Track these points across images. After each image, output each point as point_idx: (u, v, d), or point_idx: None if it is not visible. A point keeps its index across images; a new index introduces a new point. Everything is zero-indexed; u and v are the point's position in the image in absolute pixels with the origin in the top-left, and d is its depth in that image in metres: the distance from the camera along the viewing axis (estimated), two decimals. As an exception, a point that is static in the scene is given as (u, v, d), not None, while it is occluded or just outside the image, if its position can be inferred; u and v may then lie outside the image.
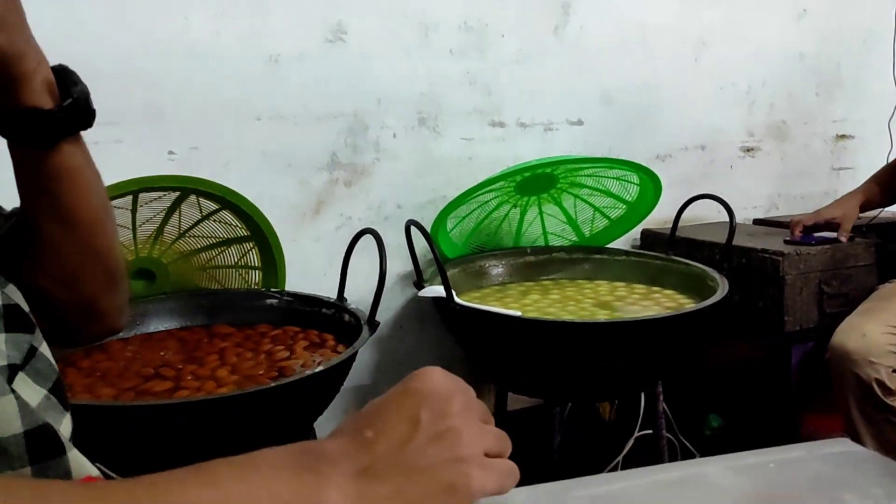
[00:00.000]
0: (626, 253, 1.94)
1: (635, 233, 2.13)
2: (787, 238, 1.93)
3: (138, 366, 1.29)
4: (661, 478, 0.55)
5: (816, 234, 1.92)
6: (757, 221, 2.35)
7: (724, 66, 2.32)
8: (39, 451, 0.53)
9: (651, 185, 1.84)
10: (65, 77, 0.63)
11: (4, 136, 0.63)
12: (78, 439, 0.60)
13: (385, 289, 1.31)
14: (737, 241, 1.75)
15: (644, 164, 1.83)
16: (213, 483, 0.42)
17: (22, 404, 0.54)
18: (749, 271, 1.85)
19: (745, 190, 2.42)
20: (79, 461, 0.56)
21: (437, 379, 0.50)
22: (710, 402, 2.07)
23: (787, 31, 2.41)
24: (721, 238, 1.77)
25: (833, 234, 1.91)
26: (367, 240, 1.35)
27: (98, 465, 0.63)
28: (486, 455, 0.49)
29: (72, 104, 0.62)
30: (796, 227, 1.94)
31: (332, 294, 1.48)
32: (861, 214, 2.01)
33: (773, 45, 2.39)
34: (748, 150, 2.43)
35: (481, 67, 1.95)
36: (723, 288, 1.54)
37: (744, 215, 2.35)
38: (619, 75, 2.16)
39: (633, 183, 1.88)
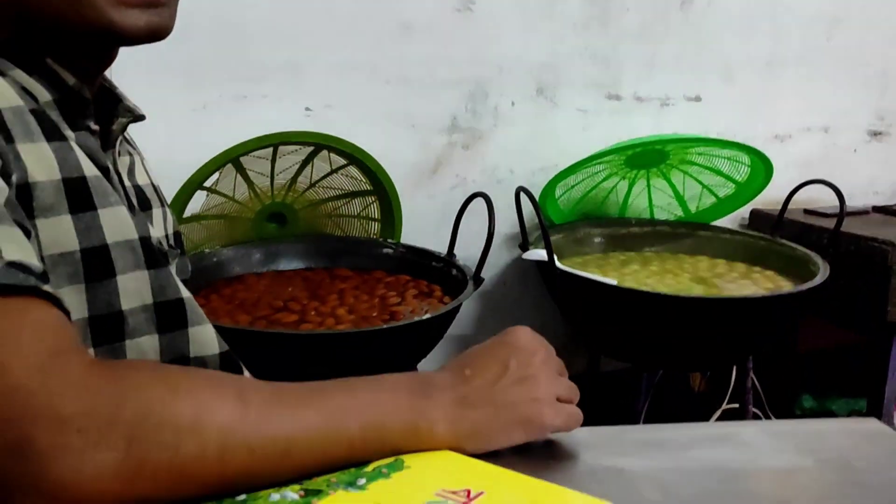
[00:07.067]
0: (730, 231, 1.97)
1: (745, 211, 2.14)
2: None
3: (269, 298, 1.47)
4: (704, 432, 0.65)
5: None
6: (877, 209, 2.30)
7: (859, 47, 2.26)
8: (228, 370, 0.69)
9: (762, 167, 1.86)
10: None
11: None
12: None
13: (492, 248, 1.43)
14: (851, 228, 1.76)
15: (761, 143, 1.85)
16: (352, 392, 0.56)
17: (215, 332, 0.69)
18: (857, 258, 1.84)
19: (869, 175, 2.37)
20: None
21: (526, 336, 0.63)
22: (806, 384, 2.09)
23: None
24: (833, 224, 1.76)
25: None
26: (479, 201, 1.47)
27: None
28: (559, 400, 0.60)
29: None
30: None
31: (443, 249, 1.61)
32: None
33: (915, 26, 2.30)
34: (875, 133, 2.37)
35: (603, 40, 1.99)
36: (823, 273, 1.57)
37: (864, 201, 2.30)
38: (743, 52, 2.15)
39: (744, 164, 1.90)
